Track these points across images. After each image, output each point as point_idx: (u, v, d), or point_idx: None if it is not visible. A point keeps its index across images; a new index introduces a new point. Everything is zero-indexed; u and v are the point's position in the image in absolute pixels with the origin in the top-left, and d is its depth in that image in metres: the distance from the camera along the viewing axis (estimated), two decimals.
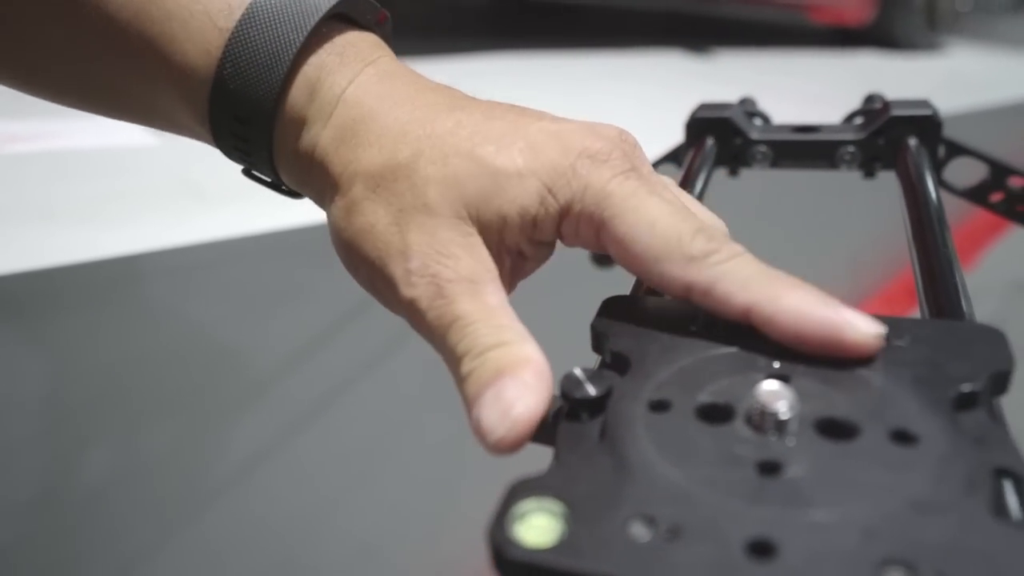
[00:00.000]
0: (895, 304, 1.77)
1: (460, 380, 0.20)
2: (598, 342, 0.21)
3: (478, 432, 0.18)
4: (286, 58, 0.23)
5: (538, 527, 0.15)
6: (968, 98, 1.79)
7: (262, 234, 0.57)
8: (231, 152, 0.25)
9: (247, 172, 0.26)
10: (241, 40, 0.23)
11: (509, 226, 0.21)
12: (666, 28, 2.17)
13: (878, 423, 0.16)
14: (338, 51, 0.24)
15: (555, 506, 0.15)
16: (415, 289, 0.21)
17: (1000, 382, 0.17)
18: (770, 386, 0.17)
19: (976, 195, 0.40)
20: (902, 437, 0.16)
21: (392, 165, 0.22)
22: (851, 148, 0.38)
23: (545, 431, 0.18)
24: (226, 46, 0.22)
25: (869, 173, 0.40)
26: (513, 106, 0.24)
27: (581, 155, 0.21)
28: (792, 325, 0.18)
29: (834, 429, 0.16)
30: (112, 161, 0.66)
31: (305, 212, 0.58)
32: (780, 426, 0.16)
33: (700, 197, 0.35)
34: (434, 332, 0.20)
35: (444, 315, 0.20)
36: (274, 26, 0.23)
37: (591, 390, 0.18)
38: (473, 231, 0.21)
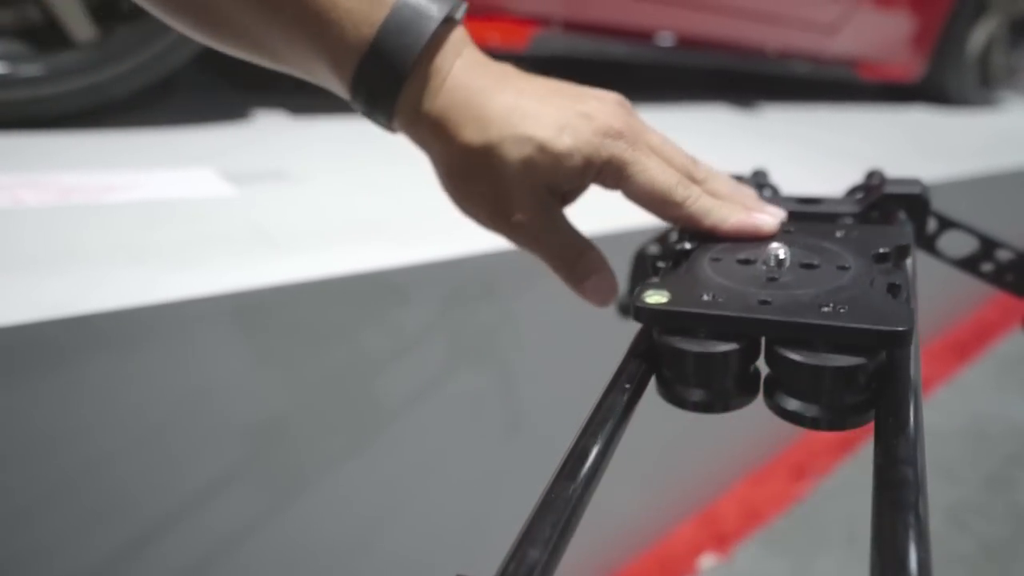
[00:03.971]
0: (941, 359, 1.75)
1: (563, 269, 0.38)
2: (679, 238, 0.37)
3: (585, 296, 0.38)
4: (429, 28, 0.33)
5: (655, 296, 0.30)
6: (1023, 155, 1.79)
7: (326, 279, 0.63)
8: (359, 99, 0.35)
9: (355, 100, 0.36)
10: (403, 7, 0.33)
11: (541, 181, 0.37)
12: (712, 83, 2.22)
13: (831, 263, 0.32)
14: (451, 41, 0.35)
15: (663, 291, 0.30)
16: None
17: (903, 250, 0.34)
18: (776, 245, 0.33)
19: (968, 265, 0.43)
20: (842, 268, 0.32)
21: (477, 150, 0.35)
22: (849, 220, 0.42)
23: (626, 311, 0.40)
24: (392, 7, 0.33)
25: None
26: (555, 89, 0.37)
27: (595, 131, 0.36)
28: (733, 234, 0.36)
29: (808, 266, 0.32)
30: (195, 209, 0.74)
31: (367, 260, 0.65)
32: (780, 263, 0.32)
33: None
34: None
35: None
36: (421, 6, 0.33)
37: (687, 244, 0.35)
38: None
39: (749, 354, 0.28)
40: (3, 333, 0.50)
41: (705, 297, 0.29)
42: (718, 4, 1.67)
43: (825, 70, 2.05)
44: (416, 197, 0.84)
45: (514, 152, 0.34)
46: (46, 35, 0.92)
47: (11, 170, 0.79)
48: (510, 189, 0.35)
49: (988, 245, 0.42)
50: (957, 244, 0.45)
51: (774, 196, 0.46)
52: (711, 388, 0.28)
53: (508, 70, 0.36)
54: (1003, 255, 0.42)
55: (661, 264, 0.35)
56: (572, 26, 1.46)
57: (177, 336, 0.57)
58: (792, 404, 0.27)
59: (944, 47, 2.23)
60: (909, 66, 2.22)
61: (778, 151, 1.46)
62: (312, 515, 0.70)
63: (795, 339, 0.27)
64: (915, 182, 0.41)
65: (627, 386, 0.27)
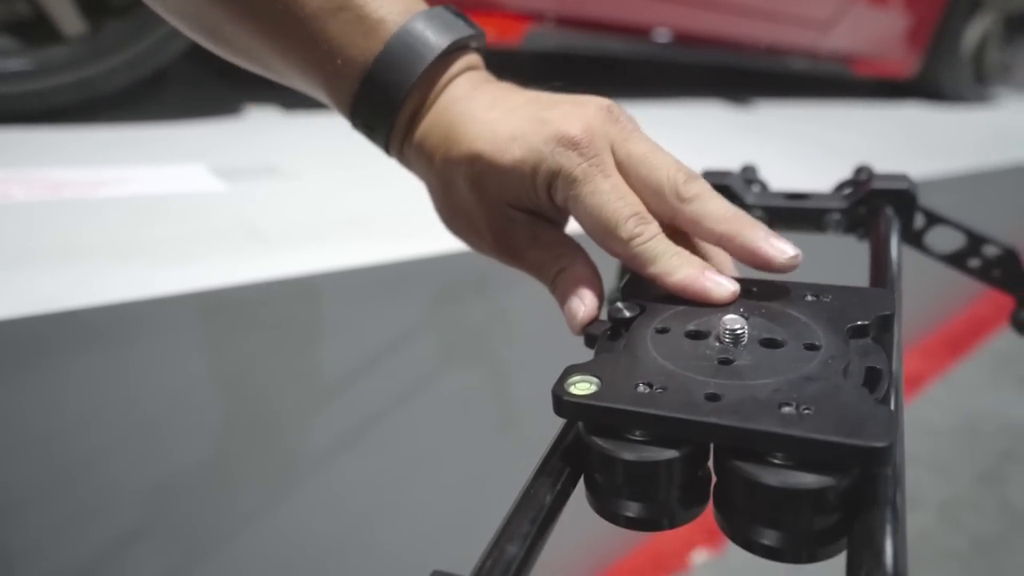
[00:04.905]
0: (935, 355, 1.75)
1: (550, 281, 0.33)
2: (623, 295, 0.31)
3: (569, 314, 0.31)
4: (423, 63, 0.33)
5: (581, 387, 0.25)
6: (1019, 151, 1.79)
7: (317, 275, 0.63)
8: (359, 119, 0.35)
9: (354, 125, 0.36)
10: (397, 43, 0.32)
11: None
12: (707, 79, 2.22)
13: (797, 340, 0.26)
14: (459, 64, 0.35)
15: (592, 378, 0.25)
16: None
17: (886, 321, 0.28)
18: (731, 317, 0.27)
19: (955, 260, 0.43)
20: (810, 347, 0.26)
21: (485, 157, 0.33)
22: (836, 216, 0.42)
23: (592, 341, 0.30)
24: (386, 43, 0.32)
25: (861, 237, 0.44)
26: (538, 100, 0.34)
27: (553, 132, 0.32)
28: (677, 291, 0.30)
29: (770, 343, 0.26)
30: (186, 205, 0.74)
31: (359, 255, 0.64)
32: (736, 340, 0.26)
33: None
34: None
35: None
36: (418, 42, 0.33)
37: (626, 313, 0.29)
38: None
39: (694, 460, 0.23)
40: (5, 325, 0.50)
41: (641, 388, 0.24)
42: (713, 0, 1.67)
43: (820, 66, 2.05)
44: (407, 193, 0.83)
45: (466, 170, 0.32)
46: (35, 29, 0.92)
47: (3, 165, 0.78)
48: (471, 208, 0.34)
49: (975, 241, 0.42)
50: (945, 239, 0.45)
51: (763, 192, 0.46)
52: (648, 502, 0.23)
53: (503, 90, 0.35)
54: (990, 251, 0.42)
55: (596, 332, 0.30)
56: (566, 21, 1.45)
57: (167, 331, 0.57)
58: (743, 527, 0.22)
59: (939, 43, 2.24)
60: (904, 62, 2.23)
61: (772, 146, 1.46)
62: (302, 510, 0.70)
63: (748, 448, 0.22)
64: (903, 178, 0.41)
65: (549, 489, 0.23)
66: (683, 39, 1.69)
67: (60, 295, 0.53)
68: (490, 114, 0.33)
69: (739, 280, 0.31)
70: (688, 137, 1.47)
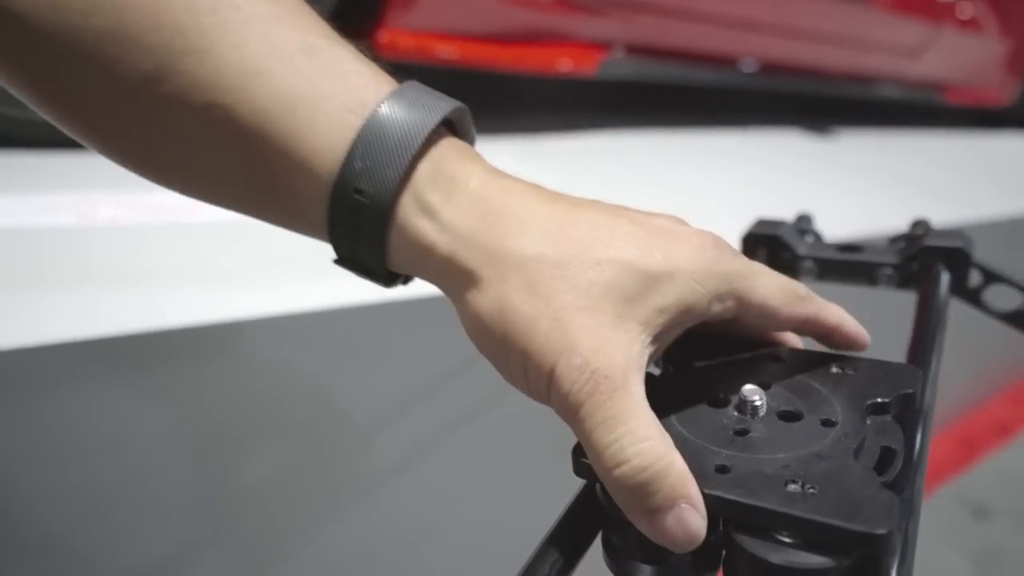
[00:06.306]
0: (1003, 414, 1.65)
1: (606, 470, 0.23)
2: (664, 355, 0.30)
3: (666, 536, 0.23)
4: (414, 143, 0.25)
5: None
6: None
7: (390, 302, 0.66)
8: (339, 236, 0.26)
9: (340, 261, 0.28)
10: (374, 128, 0.25)
11: (665, 314, 0.25)
12: (784, 106, 2.17)
13: (815, 414, 0.26)
14: (454, 148, 0.26)
15: None
16: (575, 384, 0.23)
17: (908, 399, 0.27)
18: (751, 388, 0.27)
19: (1014, 319, 0.42)
20: (826, 423, 0.26)
21: (548, 263, 0.24)
22: (888, 270, 0.42)
23: None
24: (360, 130, 0.24)
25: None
26: (611, 206, 0.28)
27: (705, 249, 0.27)
28: (849, 338, 0.30)
29: (787, 416, 0.27)
30: (267, 231, 0.79)
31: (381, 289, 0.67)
32: (754, 412, 0.26)
33: None
34: (585, 420, 0.24)
35: (599, 410, 0.23)
36: (402, 120, 0.25)
37: (656, 371, 0.29)
38: (631, 327, 0.25)
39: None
40: (102, 342, 0.55)
41: None
42: (794, 29, 1.65)
43: (909, 93, 1.98)
44: None
45: (591, 276, 0.25)
46: None
47: (111, 188, 0.85)
48: (574, 328, 0.24)
49: None
50: (1008, 295, 0.44)
51: (816, 243, 0.46)
52: (662, 565, 0.24)
53: (541, 187, 0.28)
54: None
55: None
56: (640, 50, 1.46)
57: (244, 351, 0.61)
58: None
59: None
60: (1000, 90, 2.13)
61: (852, 181, 1.42)
62: (358, 527, 0.73)
63: (752, 522, 0.22)
64: (957, 234, 0.41)
65: (565, 547, 0.24)
66: (768, 69, 1.67)
67: (148, 314, 0.58)
68: (591, 223, 0.26)
69: (769, 349, 0.31)
70: (759, 170, 1.44)
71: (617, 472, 0.23)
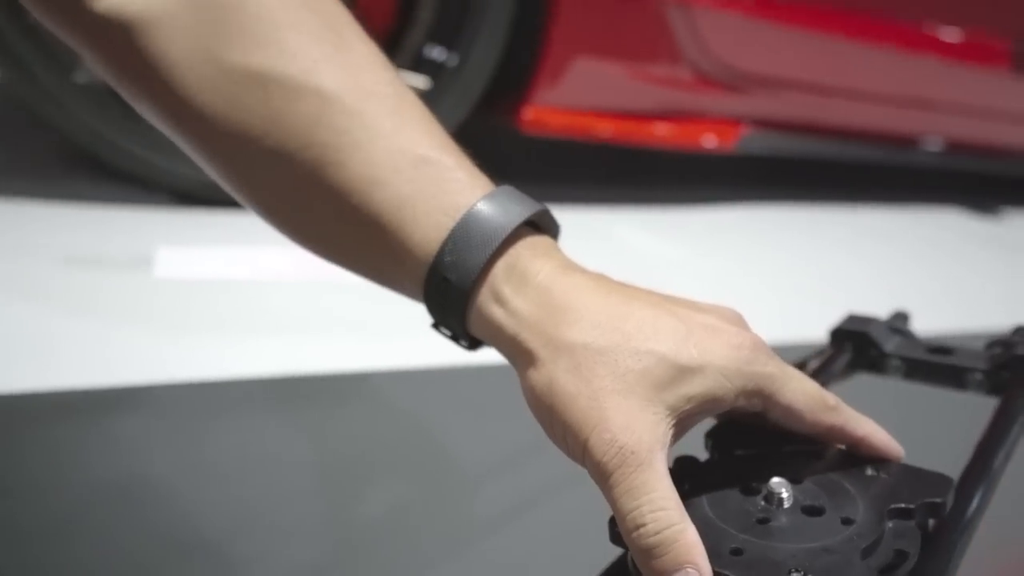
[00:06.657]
0: None
1: (627, 532, 0.27)
2: (712, 441, 0.33)
3: None
4: (493, 243, 0.31)
5: None
6: None
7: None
8: (431, 308, 0.34)
9: (435, 326, 0.35)
10: (463, 228, 0.31)
11: (692, 401, 0.29)
12: (946, 184, 2.02)
13: (837, 511, 0.28)
14: (530, 246, 0.32)
15: None
16: (605, 456, 0.27)
17: (934, 507, 0.29)
18: (778, 482, 0.29)
19: None
20: (846, 521, 0.28)
21: (593, 350, 0.29)
22: (978, 376, 0.41)
23: None
24: (452, 230, 0.31)
25: None
26: (668, 298, 0.32)
27: (740, 349, 0.29)
28: (877, 451, 0.31)
29: (811, 511, 0.28)
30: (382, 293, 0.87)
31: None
32: (779, 503, 0.29)
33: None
34: (612, 488, 0.27)
35: (624, 480, 0.27)
36: (487, 222, 0.31)
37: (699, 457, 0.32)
38: (659, 410, 0.28)
39: None
40: (260, 383, 0.64)
41: None
42: (951, 102, 1.57)
43: None
44: None
45: (629, 364, 0.28)
46: None
47: (276, 244, 0.98)
48: (608, 407, 0.28)
49: None
50: None
51: (905, 341, 0.46)
52: None
53: (608, 278, 0.33)
54: None
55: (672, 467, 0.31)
56: (779, 125, 1.46)
57: (373, 398, 0.69)
58: None
59: None
60: None
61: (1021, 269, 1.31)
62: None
63: None
64: None
65: None
66: (912, 142, 1.60)
67: (285, 362, 0.67)
68: (638, 319, 0.30)
69: (814, 446, 0.33)
70: (912, 251, 1.36)
71: (635, 534, 0.26)
